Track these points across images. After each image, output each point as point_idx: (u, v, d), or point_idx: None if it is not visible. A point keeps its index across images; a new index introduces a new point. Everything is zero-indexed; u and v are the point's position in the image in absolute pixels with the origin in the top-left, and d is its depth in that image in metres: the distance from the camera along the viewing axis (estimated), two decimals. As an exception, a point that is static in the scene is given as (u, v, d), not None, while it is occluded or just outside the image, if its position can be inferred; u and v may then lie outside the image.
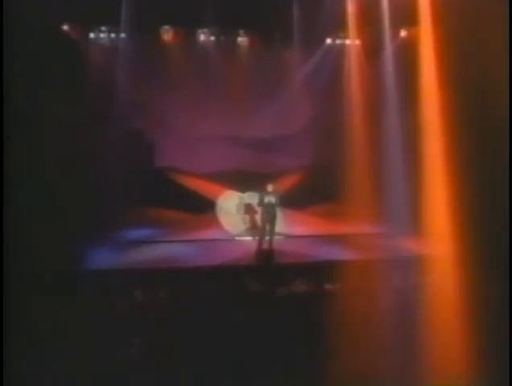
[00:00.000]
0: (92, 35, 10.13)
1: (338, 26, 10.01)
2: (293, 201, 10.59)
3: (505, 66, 7.11)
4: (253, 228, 10.75)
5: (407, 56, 9.64)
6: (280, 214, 10.04)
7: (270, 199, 9.67)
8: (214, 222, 11.08)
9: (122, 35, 10.02)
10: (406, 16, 9.33)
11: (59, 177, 8.49)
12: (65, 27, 9.65)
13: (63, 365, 4.79)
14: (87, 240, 9.16)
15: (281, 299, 6.66)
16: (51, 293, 6.08)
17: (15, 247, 6.09)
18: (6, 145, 6.02)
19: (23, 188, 7.22)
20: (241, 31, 10.56)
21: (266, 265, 8.87)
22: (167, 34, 10.20)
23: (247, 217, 10.99)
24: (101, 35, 10.16)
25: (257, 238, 9.97)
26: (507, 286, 5.59)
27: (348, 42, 10.51)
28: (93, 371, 4.83)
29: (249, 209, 10.93)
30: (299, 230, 10.76)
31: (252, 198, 10.64)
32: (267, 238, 9.70)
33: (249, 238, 10.65)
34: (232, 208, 11.20)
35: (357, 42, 10.42)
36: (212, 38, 10.51)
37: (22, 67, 7.50)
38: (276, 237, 9.91)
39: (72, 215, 8.62)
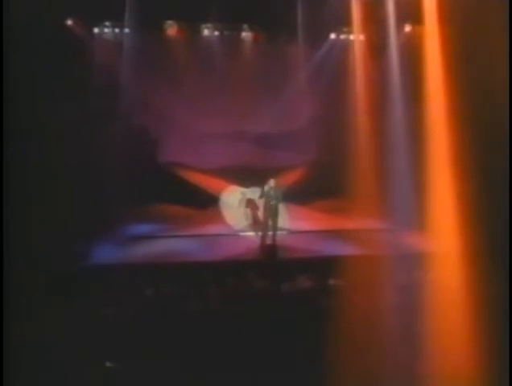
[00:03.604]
0: (96, 30, 10.12)
1: (343, 21, 9.94)
2: (297, 196, 10.57)
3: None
4: (255, 224, 10.75)
5: (412, 52, 9.55)
6: (284, 209, 10.04)
7: (273, 194, 9.66)
8: (218, 217, 11.09)
9: (126, 30, 10.01)
10: (412, 12, 9.25)
11: (64, 172, 8.49)
12: (69, 22, 9.63)
13: (63, 365, 4.79)
14: (92, 236, 9.19)
15: (285, 294, 6.65)
16: (52, 290, 6.08)
17: (16, 245, 6.08)
18: (6, 144, 6.01)
19: (25, 182, 7.20)
20: (246, 26, 10.50)
21: (270, 261, 8.86)
22: (171, 29, 10.17)
23: (249, 212, 10.99)
24: (105, 30, 10.14)
25: (260, 233, 9.98)
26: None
27: (352, 37, 10.40)
28: (94, 371, 4.83)
29: (251, 204, 10.92)
30: (303, 225, 10.73)
31: (255, 193, 10.62)
32: (270, 233, 9.72)
33: (252, 233, 10.66)
34: (235, 203, 11.21)
35: (362, 37, 10.32)
36: (217, 33, 10.46)
37: (26, 63, 7.49)
38: (280, 232, 9.92)
39: (77, 211, 8.62)
